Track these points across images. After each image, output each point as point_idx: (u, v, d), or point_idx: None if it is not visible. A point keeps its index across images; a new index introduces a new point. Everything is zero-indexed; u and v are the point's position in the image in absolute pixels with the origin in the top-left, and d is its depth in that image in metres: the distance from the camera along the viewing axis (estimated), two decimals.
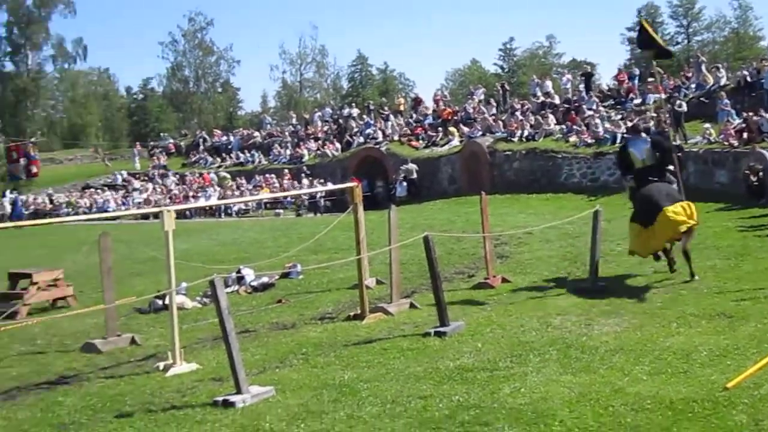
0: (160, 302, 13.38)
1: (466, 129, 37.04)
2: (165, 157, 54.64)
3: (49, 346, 11.76)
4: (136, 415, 8.03)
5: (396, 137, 40.20)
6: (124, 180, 51.09)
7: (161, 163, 52.81)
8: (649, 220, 12.88)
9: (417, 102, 47.19)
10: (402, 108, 47.81)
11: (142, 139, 76.71)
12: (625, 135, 26.73)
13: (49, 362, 10.75)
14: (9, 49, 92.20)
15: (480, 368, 8.57)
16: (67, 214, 42.46)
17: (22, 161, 51.53)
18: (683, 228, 12.57)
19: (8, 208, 47.10)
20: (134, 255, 19.36)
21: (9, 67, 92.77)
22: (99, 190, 48.93)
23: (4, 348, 11.76)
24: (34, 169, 51.90)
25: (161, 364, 9.84)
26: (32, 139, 61.11)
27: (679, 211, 12.65)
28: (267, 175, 42.67)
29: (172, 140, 61.48)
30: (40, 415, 8.39)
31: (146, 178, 50.30)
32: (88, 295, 15.81)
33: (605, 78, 56.20)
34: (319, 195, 36.16)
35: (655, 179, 13.40)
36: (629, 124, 28.64)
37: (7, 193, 51.99)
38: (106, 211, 40.52)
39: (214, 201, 38.63)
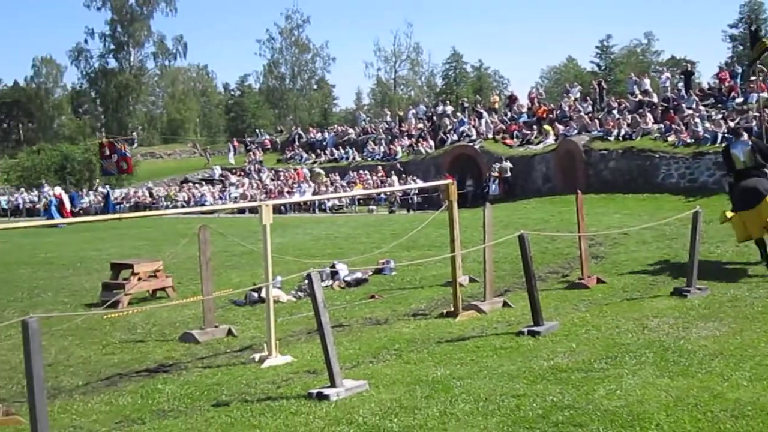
0: (256, 295, 13.60)
1: (561, 127, 36.62)
2: (261, 152, 55.51)
3: (149, 335, 12.05)
4: (232, 404, 8.19)
5: (490, 135, 40.02)
6: (221, 175, 52.06)
7: (257, 158, 53.64)
8: (750, 204, 13.62)
9: (512, 100, 46.89)
10: (497, 106, 47.56)
11: (239, 135, 78.03)
12: (726, 135, 26.06)
13: (148, 350, 11.02)
14: (112, 47, 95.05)
15: (574, 369, 8.49)
16: (166, 207, 43.50)
17: (114, 157, 53.10)
18: None
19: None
20: (230, 248, 19.71)
21: (112, 63, 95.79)
22: (197, 185, 49.99)
23: (107, 336, 12.09)
24: (125, 166, 53.32)
25: (257, 356, 10.00)
26: (129, 136, 62.90)
27: None
28: (360, 172, 42.97)
29: (268, 136, 62.44)
30: (141, 401, 8.62)
31: (242, 173, 51.15)
32: (186, 286, 16.16)
33: (706, 76, 54.99)
34: (412, 192, 36.26)
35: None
36: (731, 124, 27.97)
37: (100, 188, 53.57)
38: (203, 205, 41.42)
39: (309, 196, 39.05)
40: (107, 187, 53.35)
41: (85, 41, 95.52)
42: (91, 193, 53.08)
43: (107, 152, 53.61)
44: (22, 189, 55.71)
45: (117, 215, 25.82)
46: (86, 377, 9.81)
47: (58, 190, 48.38)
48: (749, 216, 13.57)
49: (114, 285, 14.71)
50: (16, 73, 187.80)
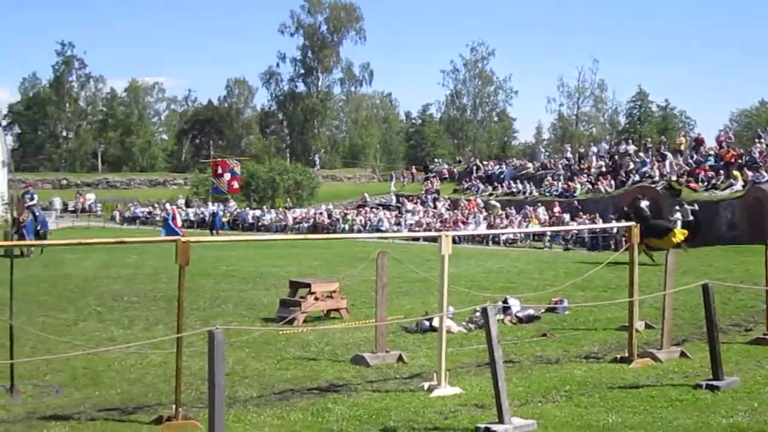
0: (427, 323, 13.67)
1: (750, 173, 35.11)
2: (438, 181, 55.95)
3: (322, 354, 12.29)
4: (399, 430, 8.26)
5: (674, 177, 38.82)
6: (398, 201, 52.79)
7: (434, 187, 54.08)
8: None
9: (698, 142, 45.33)
10: (682, 147, 46.10)
11: (418, 162, 79.00)
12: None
13: (321, 369, 11.24)
14: (302, 71, 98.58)
15: (755, 429, 8.09)
16: (343, 230, 44.44)
17: (226, 176, 54.50)
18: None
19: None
20: (404, 275, 19.87)
21: (301, 87, 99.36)
22: (374, 209, 50.84)
23: (281, 351, 12.42)
24: (236, 185, 54.63)
25: (426, 384, 10.04)
26: (242, 158, 64.82)
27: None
28: (537, 207, 42.58)
29: (446, 166, 62.91)
30: (311, 418, 8.79)
31: (418, 200, 51.68)
32: (358, 309, 16.39)
33: None
34: (588, 231, 35.60)
35: None
36: None
37: (210, 204, 55.08)
38: (379, 230, 42.03)
39: (483, 229, 38.96)
40: (217, 205, 54.89)
41: (277, 65, 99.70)
42: (272, 210, 54.83)
43: (220, 171, 55.11)
44: (209, 203, 58.19)
45: (303, 236, 26.52)
46: (260, 390, 10.11)
47: (169, 206, 50.25)
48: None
49: (291, 302, 15.10)
50: (210, 92, 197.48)
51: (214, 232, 44.40)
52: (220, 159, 58.77)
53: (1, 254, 24.72)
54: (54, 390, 9.97)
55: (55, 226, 46.92)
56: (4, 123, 68.54)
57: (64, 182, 79.34)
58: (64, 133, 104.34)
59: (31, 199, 26.13)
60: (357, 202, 55.17)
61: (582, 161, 48.54)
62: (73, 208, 62.74)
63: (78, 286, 19.71)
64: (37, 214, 25.70)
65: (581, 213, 39.10)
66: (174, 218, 45.14)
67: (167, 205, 50.63)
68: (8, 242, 18.22)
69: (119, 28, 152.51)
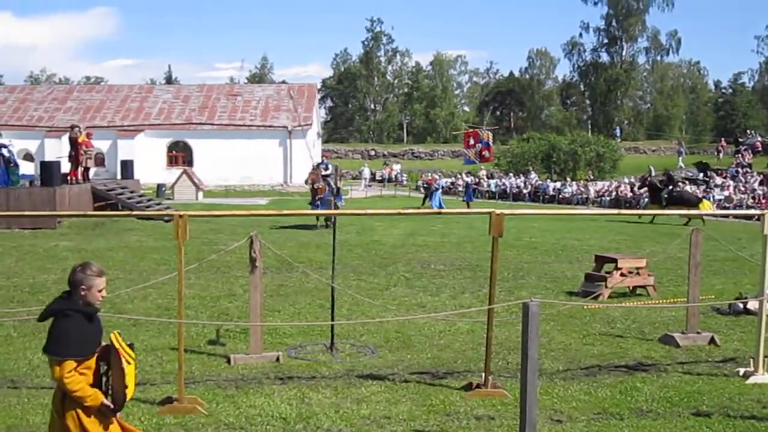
0: (741, 306, 13.03)
1: None
2: (750, 155, 52.83)
3: (628, 332, 12.05)
4: (713, 416, 7.99)
5: None
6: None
7: (746, 161, 51.11)
8: None
9: None
10: None
11: (727, 134, 75.13)
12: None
13: (627, 347, 11.04)
14: (605, 41, 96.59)
15: None
16: (646, 205, 43.07)
17: (477, 146, 53.41)
18: None
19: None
20: (713, 253, 19.02)
21: (604, 57, 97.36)
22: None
23: (586, 326, 12.33)
24: (486, 155, 53.48)
25: (741, 370, 9.60)
26: (494, 126, 63.53)
27: None
28: None
29: (759, 138, 59.30)
30: (619, 396, 8.72)
31: (728, 174, 49.08)
32: (665, 286, 15.87)
33: None
34: None
35: None
36: None
37: (463, 175, 54.32)
38: None
39: None
40: (469, 176, 54.33)
41: (580, 35, 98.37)
42: (573, 183, 54.27)
43: (471, 141, 54.29)
44: (510, 174, 58.59)
45: (602, 210, 25.99)
46: (566, 363, 10.12)
47: (437, 176, 50.26)
48: None
49: (597, 277, 14.91)
50: (511, 64, 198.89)
51: (467, 202, 44.78)
52: (471, 130, 59.01)
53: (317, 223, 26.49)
54: (369, 350, 10.55)
55: (364, 194, 49.43)
56: (318, 96, 72.64)
57: (372, 152, 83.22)
58: (372, 106, 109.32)
59: (326, 169, 27.15)
60: (642, 176, 53.31)
61: None
62: (380, 178, 65.64)
63: (387, 252, 20.58)
64: (332, 185, 26.84)
65: None
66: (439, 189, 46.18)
67: (435, 176, 51.81)
68: (334, 211, 19.38)
69: (424, 2, 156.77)
